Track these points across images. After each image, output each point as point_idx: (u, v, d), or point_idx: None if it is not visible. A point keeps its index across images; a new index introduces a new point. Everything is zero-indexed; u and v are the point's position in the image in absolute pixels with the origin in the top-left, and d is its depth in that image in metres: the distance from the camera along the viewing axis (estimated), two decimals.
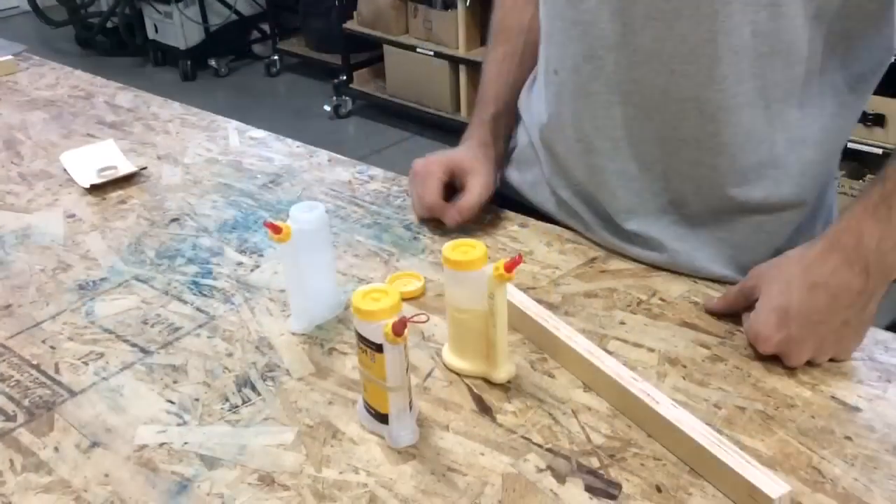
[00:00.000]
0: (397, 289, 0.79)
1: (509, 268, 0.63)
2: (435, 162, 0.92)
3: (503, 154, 0.96)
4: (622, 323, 0.74)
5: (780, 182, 0.76)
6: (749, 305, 0.70)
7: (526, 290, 0.78)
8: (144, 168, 1.07)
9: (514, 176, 0.97)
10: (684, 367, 0.68)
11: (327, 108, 3.70)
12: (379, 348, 0.60)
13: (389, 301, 0.60)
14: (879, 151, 2.36)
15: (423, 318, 0.60)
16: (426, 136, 3.46)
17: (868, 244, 0.63)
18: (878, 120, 2.33)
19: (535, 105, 0.92)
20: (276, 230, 0.71)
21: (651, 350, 0.70)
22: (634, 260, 0.83)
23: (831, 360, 0.67)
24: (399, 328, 0.58)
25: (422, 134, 3.47)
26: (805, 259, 0.66)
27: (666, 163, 0.78)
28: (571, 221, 0.89)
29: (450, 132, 3.39)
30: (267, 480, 0.59)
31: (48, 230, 0.94)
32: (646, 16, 0.72)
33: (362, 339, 0.61)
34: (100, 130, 1.21)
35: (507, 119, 0.96)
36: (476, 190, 0.89)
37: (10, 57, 1.49)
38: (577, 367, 0.67)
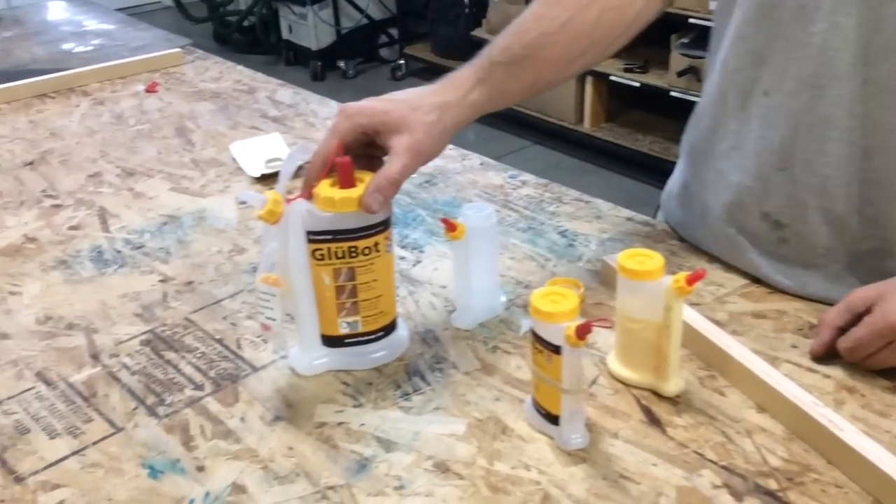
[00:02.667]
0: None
1: (691, 281, 0.63)
2: (353, 111, 0.69)
3: (467, 116, 0.74)
4: (794, 346, 0.72)
5: None
6: (852, 322, 0.68)
7: (691, 306, 0.77)
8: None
9: (675, 213, 0.93)
10: (863, 395, 0.66)
11: None
12: (556, 350, 0.61)
13: (569, 304, 0.61)
14: None
15: (607, 323, 0.60)
16: (547, 145, 3.46)
17: None
18: None
19: (707, 132, 0.85)
20: (451, 228, 0.73)
21: (826, 376, 0.69)
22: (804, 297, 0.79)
23: None
24: (583, 332, 0.59)
25: (542, 143, 3.47)
26: None
27: (879, 208, 0.72)
28: (740, 263, 0.84)
29: (571, 143, 3.38)
30: (442, 468, 0.61)
31: (222, 214, 1.00)
32: (886, 46, 0.67)
33: (539, 340, 0.62)
34: (263, 123, 1.27)
35: (507, 74, 0.75)
36: (394, 161, 0.67)
37: (178, 49, 1.58)
38: (750, 386, 0.66)
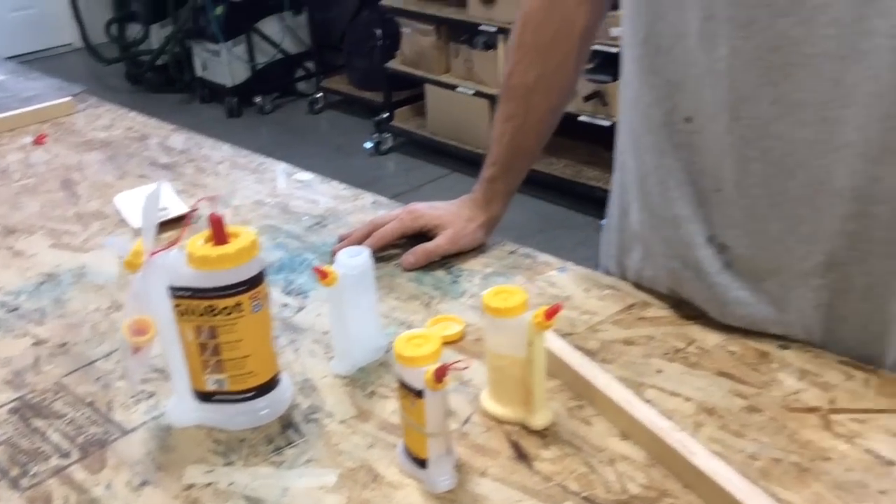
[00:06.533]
0: (438, 333, 0.81)
1: (549, 316, 0.64)
2: (415, 215, 0.98)
3: (497, 215, 0.99)
4: (659, 371, 0.75)
5: None
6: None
7: (564, 335, 0.79)
8: (195, 210, 1.11)
9: (628, 263, 0.91)
10: (721, 417, 0.69)
11: (368, 144, 3.77)
12: (419, 394, 0.61)
13: (431, 347, 0.62)
14: None
15: (463, 365, 0.61)
16: (464, 172, 3.49)
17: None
18: None
19: (633, 171, 0.86)
20: (323, 275, 0.74)
21: (688, 399, 0.71)
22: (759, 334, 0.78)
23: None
24: (440, 375, 0.59)
25: (460, 171, 3.51)
26: None
27: (810, 225, 0.72)
28: (694, 295, 0.81)
29: None
30: None
31: (102, 270, 0.98)
32: (786, 65, 0.68)
33: (403, 385, 0.63)
34: (153, 171, 1.25)
35: (506, 181, 0.98)
36: (436, 242, 0.95)
37: (68, 98, 1.55)
38: (614, 415, 0.68)
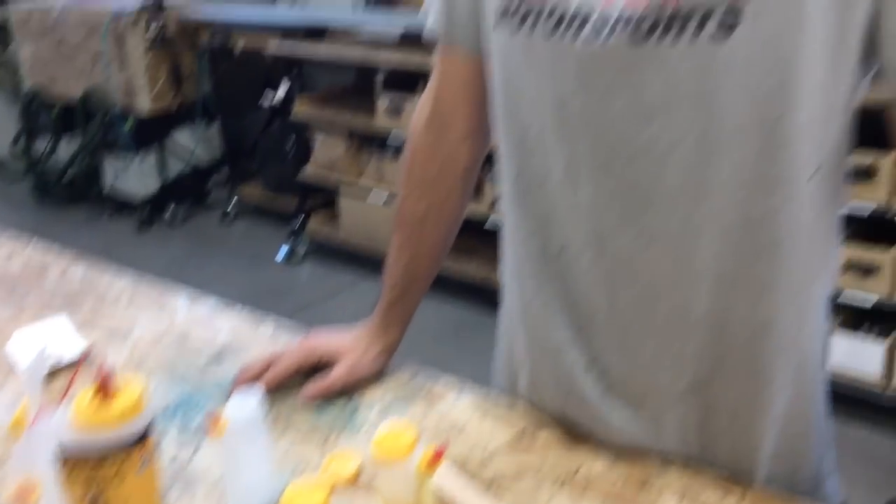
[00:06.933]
0: (331, 477, 0.82)
1: (433, 462, 0.67)
2: (312, 347, 1.00)
3: (395, 341, 1.02)
4: (550, 501, 0.77)
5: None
6: None
7: (459, 467, 0.81)
8: (89, 352, 1.09)
9: (518, 386, 0.94)
10: None
11: (282, 252, 3.77)
12: None
13: (317, 501, 0.63)
14: None
15: None
16: (377, 279, 3.50)
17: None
18: None
19: (516, 300, 0.90)
20: (213, 425, 0.74)
21: None
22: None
23: None
24: None
25: (374, 277, 3.53)
26: None
27: (678, 348, 0.77)
28: (580, 419, 0.85)
29: None
30: None
31: None
32: (647, 201, 0.73)
33: None
34: (52, 305, 1.23)
35: (403, 306, 1.02)
36: (334, 375, 0.97)
37: None
38: None
